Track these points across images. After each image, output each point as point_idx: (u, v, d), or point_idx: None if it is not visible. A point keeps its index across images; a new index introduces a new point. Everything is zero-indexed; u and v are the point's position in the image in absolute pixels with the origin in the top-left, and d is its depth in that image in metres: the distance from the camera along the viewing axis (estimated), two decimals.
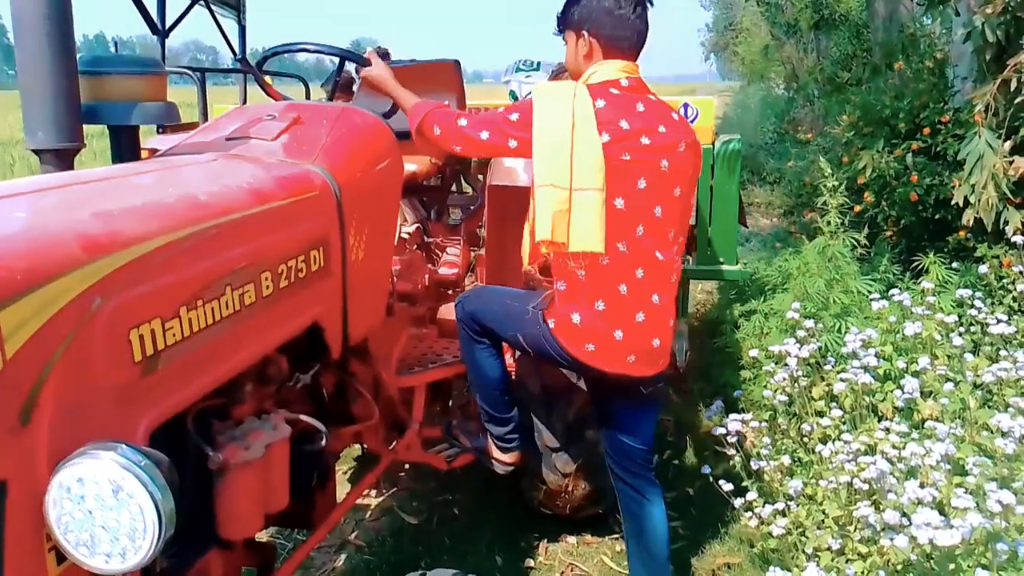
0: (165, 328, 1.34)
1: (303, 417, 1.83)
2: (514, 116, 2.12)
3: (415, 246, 3.12)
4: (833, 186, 3.77)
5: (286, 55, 2.79)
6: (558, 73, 2.75)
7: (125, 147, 1.97)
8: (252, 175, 1.82)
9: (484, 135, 2.15)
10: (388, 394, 2.58)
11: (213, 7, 3.77)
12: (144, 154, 2.93)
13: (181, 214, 1.46)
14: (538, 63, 2.96)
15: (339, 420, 2.30)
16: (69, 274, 1.16)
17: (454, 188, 4.24)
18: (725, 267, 4.13)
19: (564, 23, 2.24)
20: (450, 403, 3.30)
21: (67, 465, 1.09)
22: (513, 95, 2.84)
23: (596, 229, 2.03)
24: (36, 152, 1.78)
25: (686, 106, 4.02)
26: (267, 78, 2.96)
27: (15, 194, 1.35)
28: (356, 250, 2.14)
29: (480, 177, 4.16)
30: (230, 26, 3.92)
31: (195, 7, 3.65)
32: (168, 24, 3.41)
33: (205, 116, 3.20)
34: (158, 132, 3.37)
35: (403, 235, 3.05)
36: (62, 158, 1.78)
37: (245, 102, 3.64)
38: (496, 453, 2.69)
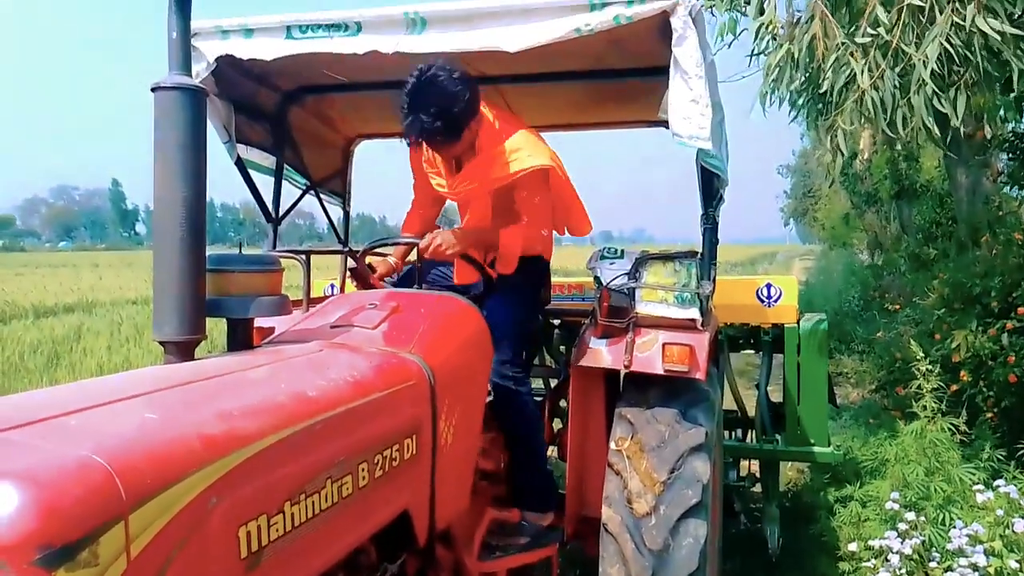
0: (270, 524, 1.40)
1: None
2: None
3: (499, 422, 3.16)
4: (927, 369, 3.68)
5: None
6: (643, 262, 2.86)
7: (240, 337, 2.13)
8: (354, 366, 1.93)
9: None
10: None
11: (322, 196, 4.11)
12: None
13: (292, 410, 1.56)
14: (622, 251, 3.09)
15: None
16: (191, 476, 1.24)
17: (537, 361, 4.32)
18: (816, 449, 4.01)
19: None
20: None
21: None
22: (598, 281, 2.95)
23: None
24: (161, 343, 1.95)
25: (769, 286, 4.07)
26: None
27: (145, 392, 1.48)
28: (446, 435, 2.21)
29: (562, 349, 4.24)
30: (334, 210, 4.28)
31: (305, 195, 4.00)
32: (280, 212, 3.73)
33: (308, 295, 3.42)
34: None
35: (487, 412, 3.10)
36: (184, 349, 1.94)
37: (344, 279, 3.86)
38: (540, 519, 2.98)
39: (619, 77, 3.36)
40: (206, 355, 2.03)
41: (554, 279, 4.51)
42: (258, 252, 2.21)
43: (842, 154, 3.09)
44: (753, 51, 3.30)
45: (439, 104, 2.67)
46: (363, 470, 1.73)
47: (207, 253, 2.12)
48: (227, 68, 3.08)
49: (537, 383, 4.45)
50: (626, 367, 2.78)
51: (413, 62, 3.22)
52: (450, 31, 2.60)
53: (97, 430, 1.24)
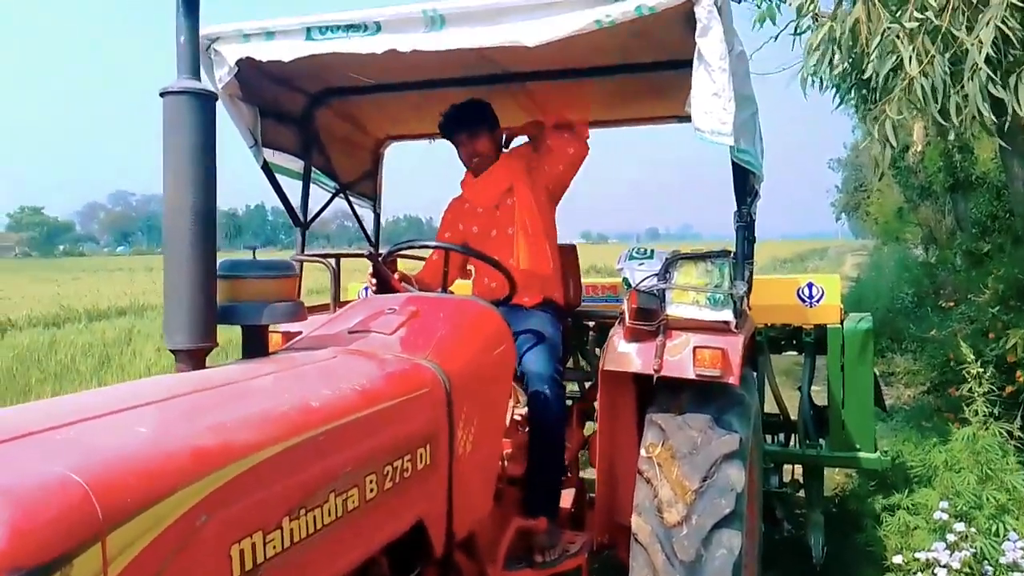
0: (266, 540, 1.35)
1: None
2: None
3: (527, 427, 3.09)
4: (978, 372, 3.49)
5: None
6: (673, 262, 2.77)
7: (254, 344, 2.10)
8: (366, 374, 1.88)
9: None
10: None
11: (352, 199, 4.09)
12: (277, 338, 3.13)
13: (293, 421, 1.51)
14: (652, 251, 2.99)
15: None
16: (180, 491, 1.20)
17: (571, 363, 4.24)
18: (862, 454, 3.86)
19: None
20: None
21: None
22: (627, 282, 2.86)
23: None
24: (172, 351, 1.92)
25: (810, 285, 3.92)
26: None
27: (141, 404, 1.44)
28: (464, 443, 2.14)
29: (597, 352, 4.16)
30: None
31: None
32: (309, 216, 3.71)
33: (336, 299, 3.39)
34: None
35: (515, 416, 3.04)
36: (195, 356, 1.91)
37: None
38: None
39: (645, 71, 3.26)
40: (218, 364, 2.00)
41: (586, 280, 4.42)
42: (275, 257, 2.18)
43: (891, 145, 2.94)
44: (796, 29, 3.16)
45: (471, 107, 3.42)
46: (371, 482, 1.67)
47: (224, 259, 2.10)
48: (251, 71, 3.06)
49: (571, 386, 4.36)
50: (656, 371, 2.69)
51: (438, 61, 3.19)
52: (469, 27, 2.53)
53: (80, 445, 1.20)
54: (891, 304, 12.86)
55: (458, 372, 2.13)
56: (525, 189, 3.33)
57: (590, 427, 3.82)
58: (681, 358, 2.69)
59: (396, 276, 3.06)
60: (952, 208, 16.52)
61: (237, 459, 1.33)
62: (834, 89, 3.34)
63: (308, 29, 2.73)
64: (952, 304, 8.73)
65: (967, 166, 14.18)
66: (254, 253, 2.14)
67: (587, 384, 4.23)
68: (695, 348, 2.67)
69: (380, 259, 2.95)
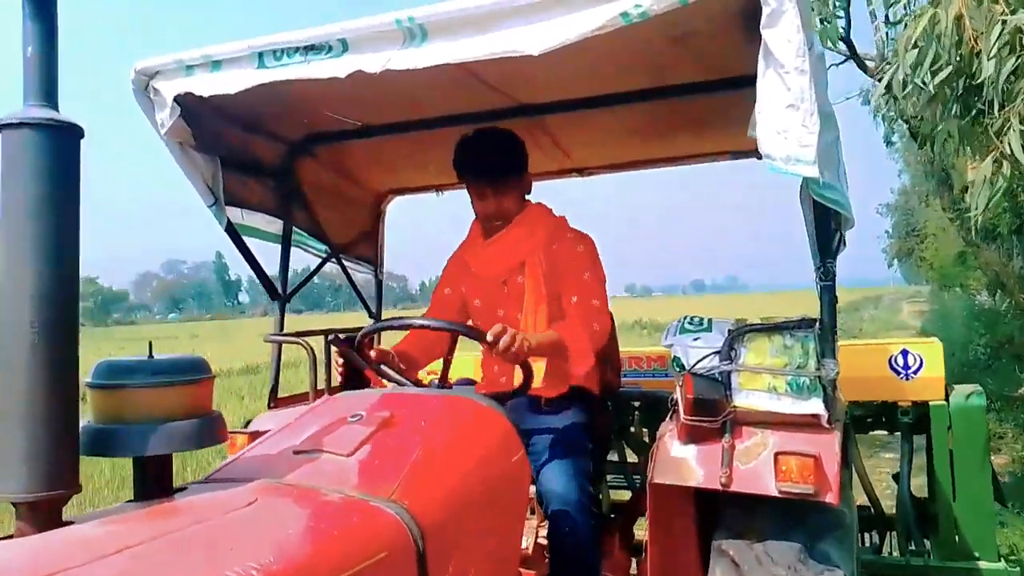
0: None
1: None
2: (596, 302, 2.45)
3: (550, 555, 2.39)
4: None
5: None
6: (739, 336, 2.07)
7: (148, 480, 1.47)
8: (286, 540, 1.22)
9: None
10: None
11: (347, 263, 3.50)
12: (241, 440, 2.50)
13: None
14: (709, 321, 2.31)
15: None
16: None
17: (613, 455, 3.51)
18: (983, 564, 3.07)
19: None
20: None
21: None
22: (678, 363, 2.17)
23: None
24: (13, 504, 1.30)
25: (905, 353, 3.19)
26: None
27: None
28: None
29: (644, 435, 3.43)
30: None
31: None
32: (290, 288, 3.12)
33: (315, 387, 2.78)
34: (269, 407, 2.98)
35: (537, 540, 2.36)
36: (43, 510, 1.28)
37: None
38: None
39: (690, 94, 2.61)
40: (80, 516, 1.37)
41: (629, 350, 3.73)
42: (187, 355, 1.55)
43: (1017, 163, 2.26)
44: (888, 18, 2.52)
45: (498, 145, 2.49)
46: None
47: (103, 360, 1.49)
48: (208, 113, 2.53)
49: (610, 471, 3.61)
50: (724, 487, 1.98)
51: (437, 95, 2.63)
52: (456, 38, 1.94)
53: None
54: (964, 358, 11.83)
55: (437, 514, 1.47)
56: (537, 271, 2.53)
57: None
58: (757, 467, 1.99)
59: (375, 356, 2.38)
60: (1020, 251, 15.45)
61: None
62: (935, 101, 2.67)
63: (260, 55, 2.18)
64: None
65: None
66: (150, 350, 1.52)
67: (635, 477, 3.50)
68: (776, 454, 1.97)
69: (355, 343, 2.29)
